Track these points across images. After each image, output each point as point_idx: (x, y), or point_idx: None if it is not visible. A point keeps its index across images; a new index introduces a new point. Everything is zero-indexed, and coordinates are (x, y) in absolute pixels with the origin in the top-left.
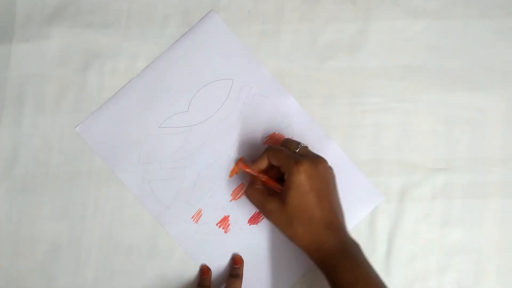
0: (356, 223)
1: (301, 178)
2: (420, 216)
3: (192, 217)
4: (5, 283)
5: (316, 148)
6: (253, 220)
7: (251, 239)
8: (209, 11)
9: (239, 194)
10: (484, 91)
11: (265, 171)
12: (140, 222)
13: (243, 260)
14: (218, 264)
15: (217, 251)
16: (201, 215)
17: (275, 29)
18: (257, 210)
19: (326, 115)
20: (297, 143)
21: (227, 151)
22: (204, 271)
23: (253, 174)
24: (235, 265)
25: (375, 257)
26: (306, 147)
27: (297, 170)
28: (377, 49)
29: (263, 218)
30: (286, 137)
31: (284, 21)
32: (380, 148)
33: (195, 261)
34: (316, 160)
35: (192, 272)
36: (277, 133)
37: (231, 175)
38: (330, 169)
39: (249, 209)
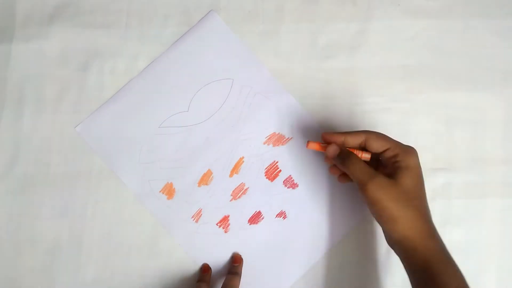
0: (356, 223)
1: (417, 162)
2: None
3: (192, 217)
4: (5, 283)
5: None
6: (253, 220)
7: (251, 239)
8: (209, 11)
9: (239, 194)
10: (484, 91)
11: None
12: (140, 222)
13: (242, 259)
14: (218, 264)
15: (217, 251)
16: (201, 215)
17: (275, 29)
18: (257, 210)
19: (326, 115)
20: None
21: (227, 151)
22: (205, 269)
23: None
24: (234, 263)
25: (375, 257)
26: None
27: (413, 153)
28: (377, 49)
29: (263, 218)
30: (286, 137)
31: (284, 21)
32: None
33: (195, 261)
34: (415, 150)
35: (192, 271)
36: (277, 133)
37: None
38: None
39: (249, 209)
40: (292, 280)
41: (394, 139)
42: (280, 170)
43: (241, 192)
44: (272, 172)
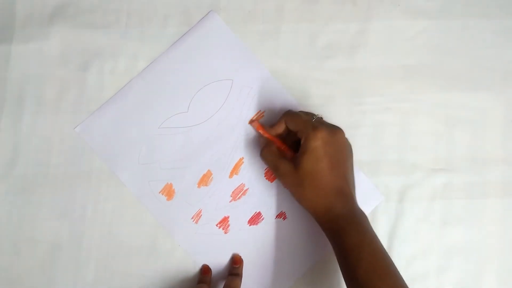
0: None
1: (317, 143)
2: (420, 216)
3: (192, 218)
4: (5, 283)
5: None
6: (253, 221)
7: (251, 240)
8: (209, 11)
9: (239, 195)
10: (484, 91)
11: (280, 136)
12: (140, 222)
13: (242, 260)
14: (218, 265)
15: (217, 252)
16: (201, 215)
17: (275, 29)
18: (257, 211)
19: (326, 115)
20: (313, 114)
21: (227, 152)
22: (205, 270)
23: (268, 138)
24: (235, 264)
25: None
26: (322, 117)
27: (314, 136)
28: (377, 49)
29: (263, 219)
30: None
31: (284, 21)
32: (380, 148)
33: (195, 261)
34: (333, 129)
35: (192, 272)
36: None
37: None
38: (346, 140)
39: (249, 210)
40: (293, 280)
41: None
42: None
43: (241, 193)
44: (272, 173)
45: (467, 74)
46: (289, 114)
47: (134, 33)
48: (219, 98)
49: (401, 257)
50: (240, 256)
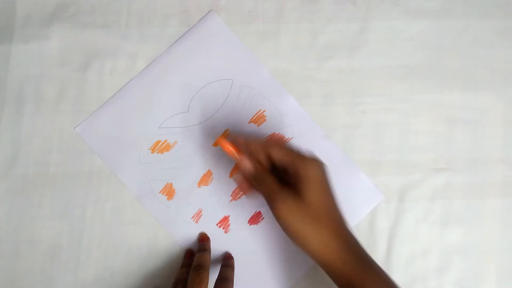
0: (356, 223)
1: (320, 171)
2: (420, 216)
3: (192, 217)
4: (5, 283)
5: (316, 148)
6: (253, 220)
7: (251, 239)
8: (209, 11)
9: (239, 194)
10: (484, 91)
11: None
12: (140, 222)
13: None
14: (218, 264)
15: (217, 251)
16: (201, 215)
17: (275, 29)
18: (257, 210)
19: (326, 115)
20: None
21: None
22: (188, 255)
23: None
24: (202, 242)
25: (375, 257)
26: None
27: (314, 164)
28: (377, 49)
29: (263, 218)
30: (286, 137)
31: (284, 21)
32: (380, 148)
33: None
34: (319, 159)
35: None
36: (277, 133)
37: (215, 144)
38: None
39: (249, 209)
40: (292, 280)
41: (299, 150)
42: None
43: (241, 192)
44: None
45: (467, 74)
46: (274, 144)
47: (134, 33)
48: (219, 98)
49: (401, 257)
50: (206, 234)
